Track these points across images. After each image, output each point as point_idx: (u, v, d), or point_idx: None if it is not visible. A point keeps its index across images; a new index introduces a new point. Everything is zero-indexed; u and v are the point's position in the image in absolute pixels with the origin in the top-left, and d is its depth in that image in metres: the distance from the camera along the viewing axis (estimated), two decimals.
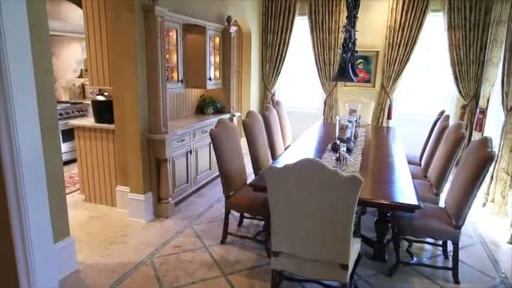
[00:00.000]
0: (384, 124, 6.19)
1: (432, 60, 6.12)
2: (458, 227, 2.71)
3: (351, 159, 3.36)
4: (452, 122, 5.96)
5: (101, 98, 3.99)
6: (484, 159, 2.53)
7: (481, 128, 5.35)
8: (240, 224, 3.75)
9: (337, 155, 3.21)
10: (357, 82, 6.30)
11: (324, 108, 6.55)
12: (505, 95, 4.23)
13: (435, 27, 5.82)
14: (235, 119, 5.37)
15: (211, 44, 4.73)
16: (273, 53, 6.62)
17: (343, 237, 2.09)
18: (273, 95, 6.87)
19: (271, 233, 2.26)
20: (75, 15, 5.49)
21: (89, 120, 4.14)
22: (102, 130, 3.94)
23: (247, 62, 6.34)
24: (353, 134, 3.49)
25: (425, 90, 6.27)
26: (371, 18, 6.02)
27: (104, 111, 3.95)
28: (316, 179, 1.99)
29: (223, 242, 3.35)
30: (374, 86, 6.27)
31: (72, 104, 5.84)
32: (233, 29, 5.10)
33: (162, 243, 3.34)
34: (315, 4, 6.20)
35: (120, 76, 3.60)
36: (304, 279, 2.72)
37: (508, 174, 4.15)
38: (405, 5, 5.75)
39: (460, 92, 5.74)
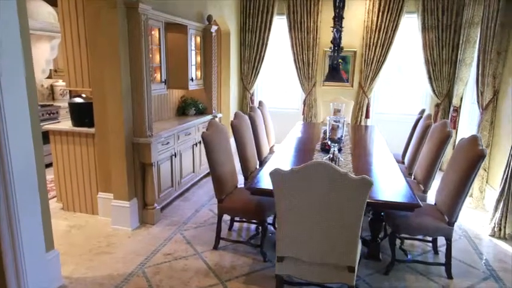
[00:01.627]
0: (363, 123, 6.30)
1: (407, 60, 6.29)
2: (452, 223, 2.78)
3: (342, 159, 3.36)
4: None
5: (79, 100, 3.76)
6: (476, 158, 2.60)
7: (455, 126, 5.56)
8: (230, 228, 3.66)
9: (330, 155, 3.20)
10: (335, 82, 6.39)
11: (304, 108, 6.57)
12: (480, 94, 4.40)
13: (410, 28, 5.98)
14: (217, 120, 5.26)
15: (192, 43, 4.60)
16: (251, 52, 6.56)
17: (351, 240, 2.07)
18: (252, 95, 6.82)
19: (277, 238, 2.20)
20: (44, 12, 5.17)
21: (66, 124, 3.90)
22: (81, 134, 3.72)
23: (226, 62, 6.24)
24: (343, 134, 3.50)
25: (401, 90, 6.45)
26: (349, 19, 6.08)
27: (83, 114, 3.72)
28: (325, 181, 1.95)
29: (216, 247, 3.26)
30: (352, 86, 6.37)
31: (42, 106, 5.50)
32: (214, 28, 4.99)
33: (152, 251, 3.20)
34: (293, 4, 6.20)
35: (102, 77, 3.41)
36: (304, 283, 2.68)
37: (485, 170, 4.33)
38: (381, 7, 5.87)
39: (433, 90, 5.94)
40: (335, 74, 3.17)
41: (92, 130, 3.66)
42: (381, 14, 5.89)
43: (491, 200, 4.01)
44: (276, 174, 2.01)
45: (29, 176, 1.69)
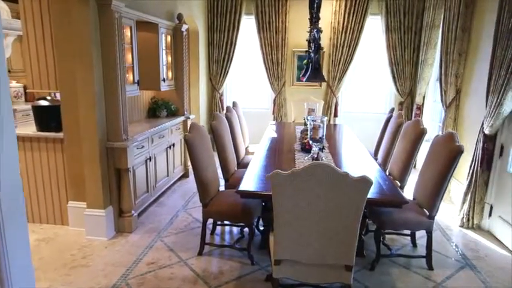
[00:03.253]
0: (331, 122, 6.44)
1: (373, 61, 6.50)
2: (432, 217, 2.90)
3: (324, 159, 3.40)
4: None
5: (44, 102, 3.49)
6: (454, 153, 2.73)
7: None
8: (213, 232, 3.58)
9: (314, 155, 3.22)
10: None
11: (274, 107, 6.60)
12: (443, 93, 4.66)
13: (375, 29, 6.20)
14: (189, 122, 5.13)
15: (163, 42, 4.44)
16: (220, 52, 6.47)
17: (350, 239, 2.09)
18: (222, 95, 6.73)
19: (274, 241, 2.17)
20: None
21: (29, 129, 3.60)
22: (48, 140, 3.46)
23: (195, 62, 6.10)
24: (324, 133, 3.54)
25: (366, 89, 6.67)
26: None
27: (49, 118, 3.46)
28: (326, 182, 1.95)
29: (200, 253, 3.16)
30: (321, 85, 6.48)
31: None
32: (185, 27, 4.86)
33: (133, 261, 3.04)
34: (261, 4, 6.20)
35: (71, 78, 3.19)
36: (297, 284, 2.67)
37: None
38: (347, 8, 6.03)
39: (397, 90, 6.21)
40: (317, 73, 3.20)
41: (60, 135, 3.42)
42: (347, 15, 6.05)
43: (457, 193, 4.26)
44: (276, 177, 1.98)
45: (14, 190, 1.53)
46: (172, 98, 4.96)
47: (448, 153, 2.79)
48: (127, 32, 3.66)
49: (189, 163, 5.27)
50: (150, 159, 4.00)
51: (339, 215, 2.03)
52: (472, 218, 3.80)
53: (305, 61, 6.37)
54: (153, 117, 4.78)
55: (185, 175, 5.23)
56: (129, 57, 3.72)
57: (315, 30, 3.29)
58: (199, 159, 2.96)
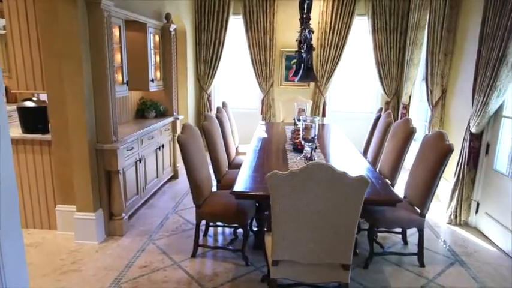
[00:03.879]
0: (320, 122, 6.47)
1: (360, 61, 6.58)
2: (424, 215, 2.95)
3: (316, 158, 3.42)
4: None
5: (30, 104, 3.39)
6: (445, 152, 2.79)
7: None
8: (205, 233, 3.55)
9: (307, 155, 3.23)
10: (292, 82, 6.51)
11: (262, 107, 6.60)
12: (430, 93, 4.75)
13: (362, 30, 6.27)
14: (178, 122, 5.09)
15: (151, 42, 4.39)
16: (208, 52, 6.43)
17: (348, 238, 2.10)
18: (210, 95, 6.69)
19: (272, 242, 2.16)
20: None
21: (13, 131, 3.49)
22: (34, 142, 3.37)
23: (182, 62, 6.04)
24: (316, 133, 3.55)
25: (353, 89, 6.74)
26: None
27: (35, 120, 3.37)
28: (324, 182, 1.96)
29: (194, 255, 3.13)
30: (309, 85, 6.52)
31: None
32: (173, 26, 4.81)
33: (125, 265, 2.99)
34: (249, 4, 6.19)
35: (59, 78, 3.11)
36: (294, 283, 2.67)
37: None
38: (334, 9, 6.08)
39: (384, 89, 6.30)
40: (309, 73, 3.21)
41: (47, 137, 3.33)
42: (334, 15, 6.10)
43: (445, 191, 4.35)
44: (274, 178, 1.98)
45: (10, 196, 1.48)
46: (160, 99, 4.90)
47: (438, 152, 2.84)
48: (116, 32, 3.59)
49: (178, 164, 5.22)
50: (140, 160, 3.94)
51: (337, 215, 2.04)
52: (460, 215, 3.88)
53: (293, 61, 6.44)
54: (141, 118, 4.71)
55: (174, 176, 5.17)
56: (117, 57, 3.65)
57: (307, 31, 3.30)
58: (192, 160, 2.93)
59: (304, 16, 3.61)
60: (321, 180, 1.96)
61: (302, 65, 3.28)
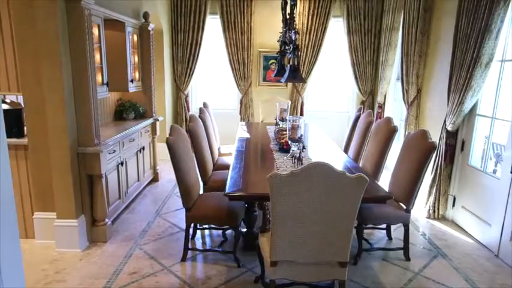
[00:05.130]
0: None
1: (336, 61, 6.70)
2: (409, 211, 3.06)
3: (304, 158, 3.45)
4: (352, 116, 6.66)
5: (4, 106, 3.20)
6: (428, 150, 2.90)
7: None
8: (193, 236, 3.49)
9: (296, 154, 3.25)
10: (270, 82, 6.54)
11: (240, 108, 6.58)
12: (405, 92, 4.92)
13: (337, 31, 6.39)
14: (158, 124, 4.98)
15: (130, 42, 4.26)
16: (185, 53, 6.33)
17: (346, 236, 2.14)
18: (187, 96, 6.59)
19: (271, 243, 2.16)
20: None
21: None
22: (9, 146, 3.16)
23: (159, 62, 5.91)
24: (302, 133, 3.59)
25: (330, 89, 6.86)
26: (280, 21, 6.25)
27: (9, 123, 3.18)
28: (325, 182, 1.98)
29: (184, 259, 3.07)
30: (287, 85, 6.58)
31: None
32: (151, 26, 4.70)
33: (113, 272, 2.88)
34: (226, 4, 6.15)
35: (37, 79, 2.96)
36: (288, 283, 2.68)
37: None
38: (311, 10, 6.16)
39: (359, 89, 6.46)
40: (296, 74, 3.23)
41: (23, 141, 3.16)
42: (310, 17, 6.18)
43: (423, 186, 4.50)
44: (275, 178, 1.97)
45: (7, 206, 1.39)
46: (139, 100, 4.77)
47: (422, 150, 2.95)
48: (95, 31, 3.46)
49: (158, 167, 5.11)
50: (122, 164, 3.82)
51: (336, 213, 2.07)
52: (438, 209, 4.05)
53: (271, 61, 6.47)
54: (119, 120, 4.56)
55: (155, 179, 5.05)
56: (97, 57, 3.51)
57: (293, 32, 3.32)
58: (182, 163, 2.87)
59: (288, 17, 3.63)
60: (321, 179, 1.98)
61: (289, 65, 3.30)
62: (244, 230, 3.34)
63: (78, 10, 2.92)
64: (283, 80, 3.39)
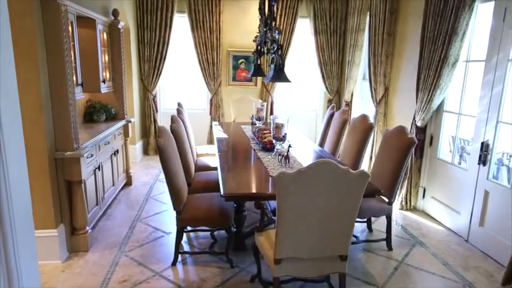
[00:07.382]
0: (269, 120, 6.61)
1: (303, 61, 6.84)
2: (391, 203, 3.22)
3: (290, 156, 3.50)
4: (321, 114, 6.86)
5: None
6: (408, 144, 3.08)
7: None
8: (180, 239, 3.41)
9: (284, 153, 3.29)
10: (240, 81, 6.56)
11: (211, 108, 6.52)
12: (373, 91, 5.16)
13: (305, 31, 6.54)
14: (130, 126, 4.80)
15: (100, 40, 4.07)
16: (152, 52, 6.15)
17: (348, 230, 2.22)
18: (155, 96, 6.40)
19: (276, 241, 2.18)
20: None
21: None
22: None
23: (127, 61, 5.68)
24: (287, 132, 3.64)
25: (298, 88, 7.00)
26: (249, 21, 6.30)
27: None
28: (329, 179, 2.04)
29: (174, 263, 3.00)
30: (256, 85, 6.62)
31: None
32: (121, 24, 4.51)
33: (101, 282, 2.76)
34: (194, 2, 6.06)
35: None
36: (286, 280, 2.72)
37: None
38: (279, 10, 6.24)
39: (326, 88, 6.67)
40: (280, 74, 3.28)
41: None
42: (279, 17, 6.27)
43: None
44: (282, 177, 2.00)
45: (25, 212, 1.31)
46: (110, 101, 4.57)
47: (402, 145, 3.13)
48: (69, 28, 3.27)
49: (131, 170, 4.93)
50: (98, 168, 3.64)
51: (340, 209, 2.14)
52: (410, 200, 4.30)
53: (241, 60, 6.48)
54: (90, 122, 4.33)
55: (128, 183, 4.87)
56: (71, 56, 3.32)
57: (277, 32, 3.36)
58: (171, 166, 2.81)
59: (267, 17, 3.66)
60: (326, 177, 2.04)
61: (273, 65, 3.33)
62: (234, 230, 3.34)
63: (55, 8, 2.75)
64: (267, 79, 3.42)
